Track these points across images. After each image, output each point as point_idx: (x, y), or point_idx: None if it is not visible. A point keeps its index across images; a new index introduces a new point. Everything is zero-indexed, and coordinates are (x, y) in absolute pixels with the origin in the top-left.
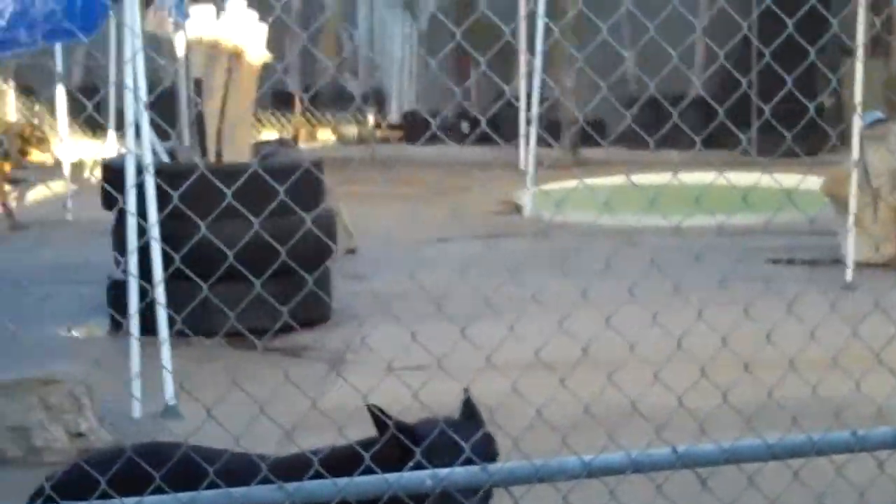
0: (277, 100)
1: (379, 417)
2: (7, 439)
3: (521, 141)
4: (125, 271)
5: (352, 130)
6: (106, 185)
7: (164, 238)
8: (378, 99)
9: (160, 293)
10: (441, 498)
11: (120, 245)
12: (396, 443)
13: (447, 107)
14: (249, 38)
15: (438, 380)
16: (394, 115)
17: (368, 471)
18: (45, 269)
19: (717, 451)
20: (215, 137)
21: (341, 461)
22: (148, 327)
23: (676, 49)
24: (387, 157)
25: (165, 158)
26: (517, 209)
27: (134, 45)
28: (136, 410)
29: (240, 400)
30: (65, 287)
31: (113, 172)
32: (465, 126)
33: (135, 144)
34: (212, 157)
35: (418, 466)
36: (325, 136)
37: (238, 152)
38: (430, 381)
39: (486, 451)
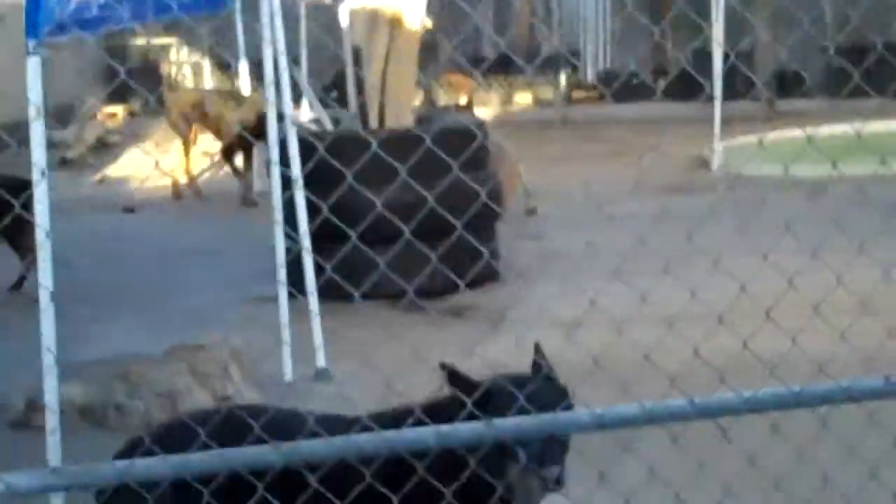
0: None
1: (451, 373)
2: (155, 405)
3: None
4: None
5: (548, 92)
6: None
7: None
8: (573, 60)
9: (308, 259)
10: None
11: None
12: (457, 399)
13: (641, 63)
14: (409, 4)
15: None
16: (589, 75)
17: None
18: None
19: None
20: (378, 105)
21: (403, 418)
22: (320, 293)
23: None
24: (581, 117)
25: (329, 126)
26: (705, 164)
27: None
28: (288, 373)
29: (391, 361)
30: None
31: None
32: (661, 83)
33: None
34: (374, 124)
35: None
36: (524, 98)
37: (400, 118)
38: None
39: (552, 404)
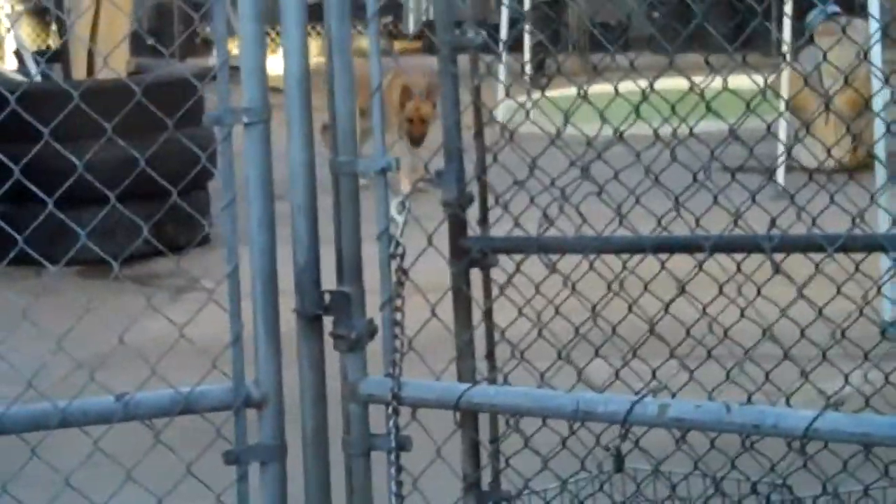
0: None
1: None
2: None
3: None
4: None
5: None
6: None
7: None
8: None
9: None
10: None
11: None
12: None
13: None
14: None
15: None
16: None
17: None
18: None
19: None
20: (86, 56)
21: None
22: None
23: None
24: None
25: (37, 78)
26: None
27: None
28: None
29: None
30: None
31: None
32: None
33: None
34: (81, 76)
35: None
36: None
37: (112, 69)
38: None
39: None
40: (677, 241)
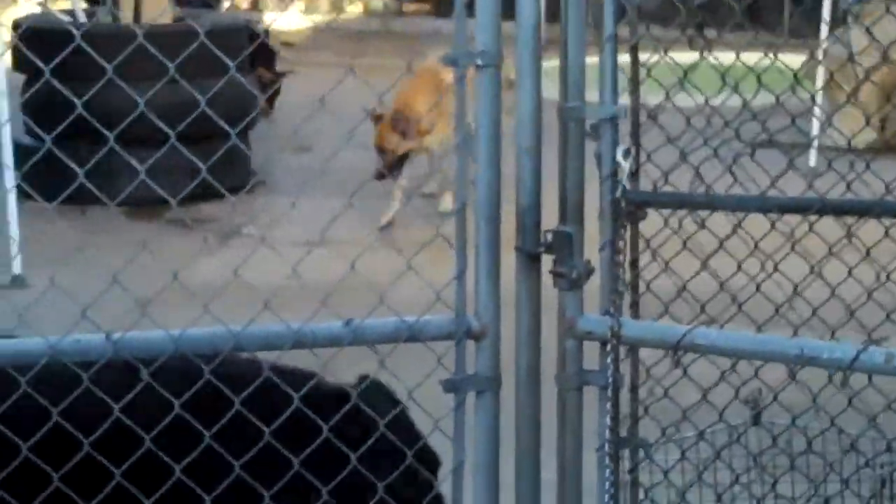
0: None
1: None
2: None
3: None
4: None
5: (379, 2)
6: (20, 45)
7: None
8: None
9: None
10: None
11: (27, 107)
12: None
13: None
14: None
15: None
16: None
17: None
18: None
19: None
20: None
21: None
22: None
23: None
24: (413, 30)
25: (83, 19)
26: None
27: None
28: None
29: (93, 271)
30: None
31: (27, 32)
32: None
33: None
34: (128, 19)
35: None
36: (356, 8)
37: (156, 14)
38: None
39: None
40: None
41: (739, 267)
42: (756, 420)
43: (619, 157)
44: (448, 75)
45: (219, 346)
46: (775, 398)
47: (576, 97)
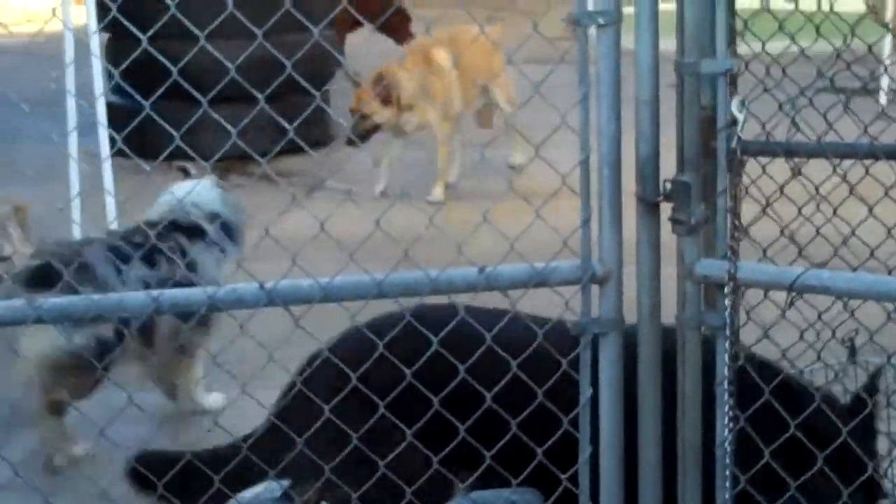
0: None
1: None
2: None
3: None
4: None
5: None
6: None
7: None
8: None
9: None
10: None
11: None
12: None
13: None
14: None
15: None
16: None
17: None
18: None
19: None
20: None
21: None
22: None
23: None
24: None
25: None
26: None
27: None
28: (77, 234)
29: None
30: None
31: None
32: None
33: None
34: None
35: None
36: None
37: None
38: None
39: None
40: None
41: (835, 212)
42: (853, 358)
43: (734, 109)
44: (439, 56)
45: (362, 294)
46: (871, 338)
47: (692, 53)
